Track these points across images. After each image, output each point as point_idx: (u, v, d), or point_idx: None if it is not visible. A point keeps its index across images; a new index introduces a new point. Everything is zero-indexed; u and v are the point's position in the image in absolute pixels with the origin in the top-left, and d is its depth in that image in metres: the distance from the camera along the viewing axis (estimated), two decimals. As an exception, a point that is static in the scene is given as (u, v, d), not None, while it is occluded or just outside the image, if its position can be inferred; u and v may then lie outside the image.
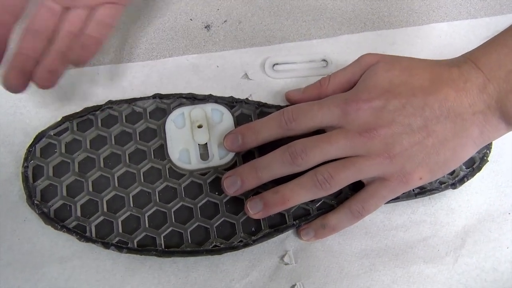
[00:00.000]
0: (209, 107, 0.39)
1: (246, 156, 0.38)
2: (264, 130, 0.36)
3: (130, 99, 0.40)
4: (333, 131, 0.35)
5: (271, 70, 0.43)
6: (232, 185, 0.35)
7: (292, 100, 0.41)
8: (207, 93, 0.41)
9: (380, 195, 0.34)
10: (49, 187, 0.37)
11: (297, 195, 0.34)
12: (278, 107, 0.40)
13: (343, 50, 0.45)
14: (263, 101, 0.42)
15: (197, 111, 0.39)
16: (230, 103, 0.40)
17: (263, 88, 0.43)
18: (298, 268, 0.37)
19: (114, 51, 0.44)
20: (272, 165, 0.35)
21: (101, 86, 0.42)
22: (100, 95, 0.42)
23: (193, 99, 0.40)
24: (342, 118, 0.34)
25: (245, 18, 0.47)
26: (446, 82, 0.34)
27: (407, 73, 0.35)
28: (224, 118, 0.39)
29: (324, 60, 0.44)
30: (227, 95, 0.41)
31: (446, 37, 0.47)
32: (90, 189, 0.37)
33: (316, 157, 0.34)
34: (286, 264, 0.37)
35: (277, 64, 0.44)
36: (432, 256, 0.37)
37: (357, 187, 0.36)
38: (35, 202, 0.36)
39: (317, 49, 0.45)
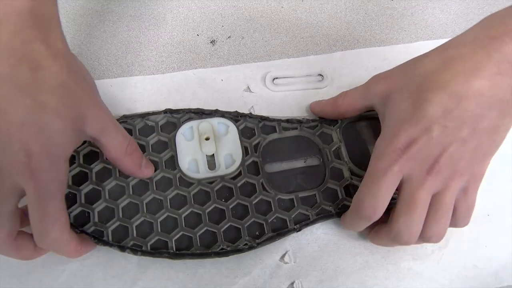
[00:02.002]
0: (216, 121, 0.42)
1: (251, 166, 0.40)
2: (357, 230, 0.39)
3: (143, 113, 0.42)
4: (405, 191, 0.34)
5: (272, 83, 0.47)
6: None
7: (316, 110, 0.43)
8: (212, 104, 0.44)
9: (471, 205, 0.35)
10: (69, 195, 0.38)
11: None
12: (279, 121, 0.42)
13: (338, 65, 0.48)
14: (264, 112, 0.45)
15: (204, 125, 0.42)
16: (235, 117, 0.42)
17: (264, 100, 0.46)
18: (297, 267, 0.39)
19: (126, 63, 0.47)
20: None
21: (114, 98, 0.45)
22: (113, 106, 0.44)
23: (201, 113, 0.42)
24: (403, 170, 0.34)
25: (247, 34, 0.50)
26: (474, 74, 0.32)
27: (424, 87, 0.34)
28: (229, 131, 0.42)
29: (320, 74, 0.47)
30: (231, 107, 0.44)
31: (433, 54, 0.50)
32: (107, 196, 0.39)
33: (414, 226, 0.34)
34: (286, 263, 0.39)
35: (277, 78, 0.47)
36: (420, 254, 0.40)
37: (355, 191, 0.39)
38: None
39: (314, 64, 0.48)
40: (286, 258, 0.39)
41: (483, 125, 0.32)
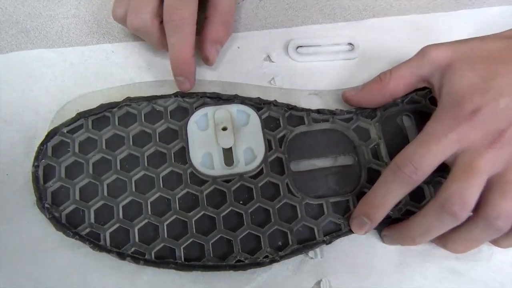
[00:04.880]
0: (235, 108, 0.37)
1: (274, 163, 0.36)
2: (389, 198, 0.34)
3: (150, 96, 0.37)
4: (461, 159, 0.32)
5: (295, 52, 0.42)
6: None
7: (351, 100, 0.39)
8: (227, 75, 0.40)
9: None
10: (61, 189, 0.35)
11: None
12: (308, 111, 0.38)
13: (369, 34, 0.43)
14: (286, 84, 0.40)
15: (221, 112, 0.37)
16: (257, 104, 0.38)
17: (286, 71, 0.41)
18: (324, 263, 0.35)
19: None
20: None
21: (116, 64, 0.40)
22: (114, 74, 0.40)
23: (217, 99, 0.38)
24: (462, 141, 0.32)
25: (266, -5, 0.45)
26: None
27: (492, 61, 0.33)
28: (250, 121, 0.37)
29: (350, 43, 0.42)
30: (248, 78, 0.39)
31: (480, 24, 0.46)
32: (105, 193, 0.35)
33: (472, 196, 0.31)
34: (311, 258, 0.35)
35: (301, 46, 0.42)
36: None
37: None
38: (46, 205, 0.34)
39: (343, 32, 0.43)
40: (311, 253, 0.35)
41: None
